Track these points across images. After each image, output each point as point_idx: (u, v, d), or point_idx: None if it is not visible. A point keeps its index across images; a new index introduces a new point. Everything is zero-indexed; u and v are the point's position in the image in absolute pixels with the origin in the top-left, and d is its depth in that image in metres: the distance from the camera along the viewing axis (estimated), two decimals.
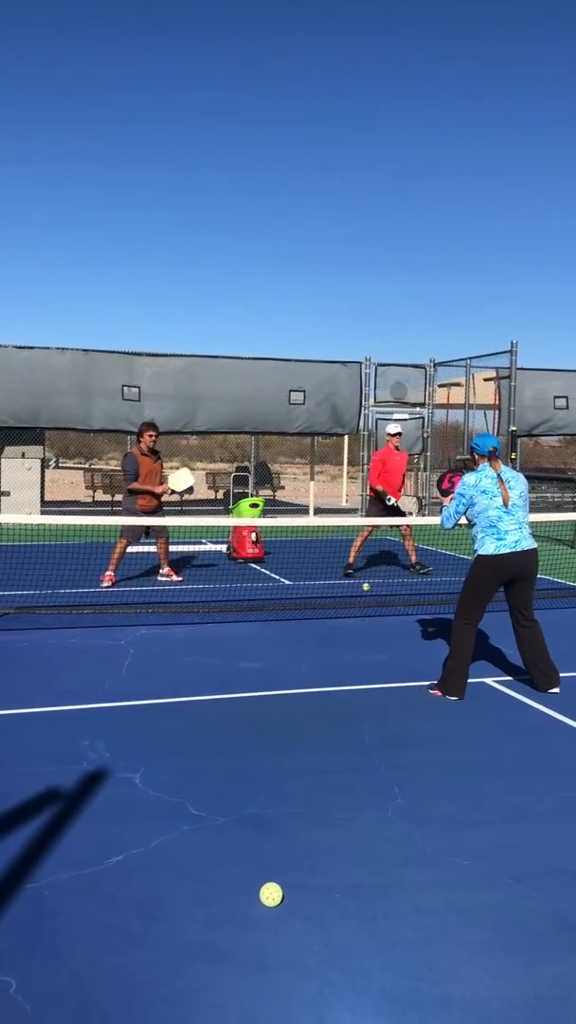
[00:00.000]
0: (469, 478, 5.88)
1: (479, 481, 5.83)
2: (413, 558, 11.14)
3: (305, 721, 5.39)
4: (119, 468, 14.40)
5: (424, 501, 18.02)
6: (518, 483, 5.91)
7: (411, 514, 10.54)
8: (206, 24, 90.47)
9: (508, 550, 5.71)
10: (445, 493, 6.36)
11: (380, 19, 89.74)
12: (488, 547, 5.74)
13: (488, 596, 5.84)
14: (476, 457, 6.01)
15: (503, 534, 5.73)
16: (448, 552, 13.23)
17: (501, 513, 5.76)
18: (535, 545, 5.87)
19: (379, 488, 10.64)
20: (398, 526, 10.88)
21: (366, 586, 10.01)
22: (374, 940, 3.06)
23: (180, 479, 9.92)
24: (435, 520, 11.32)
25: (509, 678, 6.41)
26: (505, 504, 5.76)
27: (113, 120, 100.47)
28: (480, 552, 5.79)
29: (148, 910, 3.22)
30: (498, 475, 5.84)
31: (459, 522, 6.04)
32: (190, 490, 10.10)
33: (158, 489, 9.80)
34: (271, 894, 3.26)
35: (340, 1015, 2.67)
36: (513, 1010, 2.71)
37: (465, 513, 5.92)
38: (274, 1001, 2.73)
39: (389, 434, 10.90)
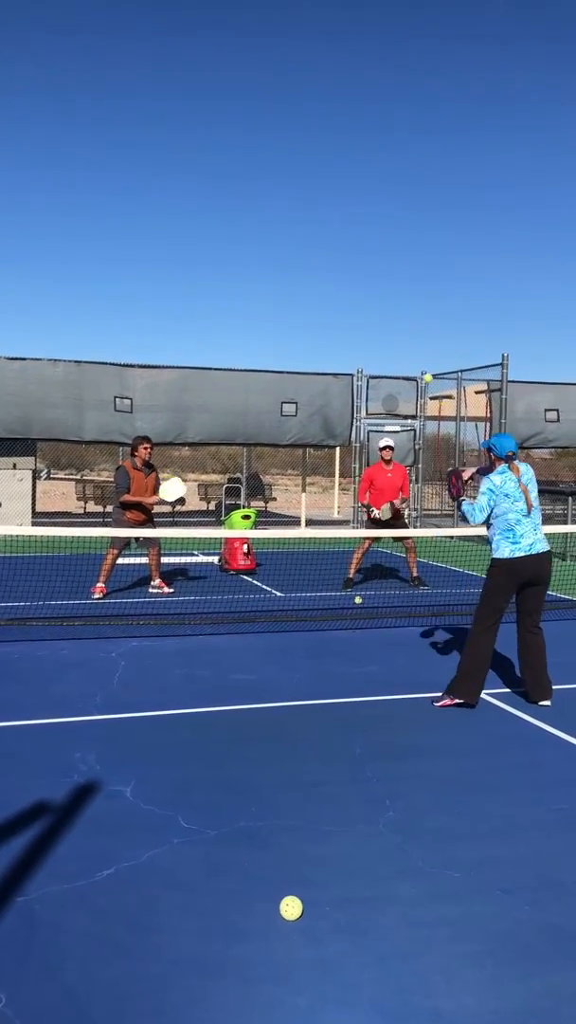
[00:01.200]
0: (495, 478, 5.84)
1: (504, 483, 5.81)
2: (413, 572, 11.15)
3: (297, 733, 5.39)
4: (111, 480, 14.42)
5: (417, 513, 18.06)
6: (533, 484, 5.92)
7: (408, 522, 10.59)
8: (202, 28, 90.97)
9: (523, 553, 5.75)
10: (455, 498, 6.31)
11: (374, 25, 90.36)
12: (503, 551, 5.77)
13: (506, 601, 5.86)
14: (493, 458, 5.97)
15: (519, 538, 5.77)
16: (441, 565, 13.26)
17: (521, 517, 5.79)
18: (549, 547, 5.89)
19: (365, 503, 10.76)
20: (402, 541, 10.94)
21: (358, 599, 10.02)
22: (365, 953, 3.05)
23: (170, 489, 9.92)
24: (429, 532, 11.36)
25: (501, 691, 6.42)
26: (528, 510, 5.80)
27: (106, 127, 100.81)
28: (496, 556, 5.82)
29: (139, 923, 3.21)
30: (519, 480, 5.83)
31: (482, 520, 5.88)
32: (181, 501, 10.12)
33: (149, 500, 9.80)
34: (291, 909, 3.24)
35: None
36: (504, 1022, 2.71)
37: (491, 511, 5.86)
38: (265, 1014, 2.72)
39: (379, 448, 10.96)
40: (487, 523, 5.93)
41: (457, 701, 5.90)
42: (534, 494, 5.89)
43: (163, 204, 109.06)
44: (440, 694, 6.02)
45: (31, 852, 3.73)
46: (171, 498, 9.89)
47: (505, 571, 5.79)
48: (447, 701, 5.92)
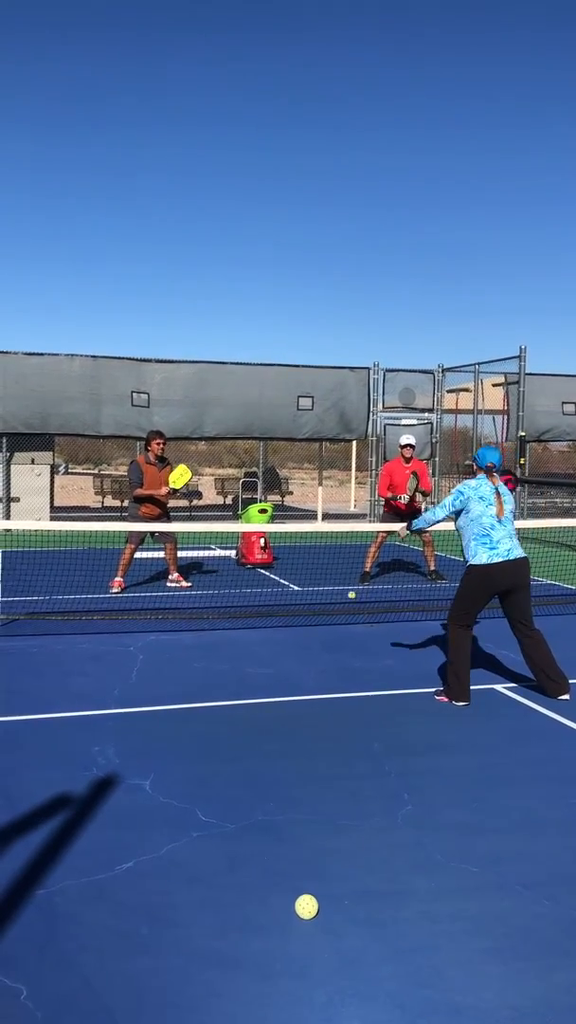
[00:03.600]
0: (471, 482, 6.00)
1: (479, 487, 5.93)
2: (431, 566, 11.14)
3: (314, 727, 5.39)
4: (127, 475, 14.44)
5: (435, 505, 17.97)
6: (509, 500, 6.04)
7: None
8: (205, 26, 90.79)
9: (500, 559, 5.76)
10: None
11: (390, 21, 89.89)
12: (480, 556, 5.78)
13: (480, 605, 5.90)
14: (475, 468, 6.13)
15: (495, 543, 5.78)
16: (458, 558, 13.20)
17: (494, 522, 5.84)
18: (526, 555, 5.93)
19: (388, 496, 10.71)
20: (421, 535, 10.88)
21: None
22: (384, 947, 3.05)
23: (178, 476, 9.99)
24: (446, 526, 11.33)
25: (518, 684, 6.40)
26: (499, 515, 5.84)
27: (118, 127, 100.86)
28: (472, 562, 5.82)
29: (158, 916, 3.22)
30: (496, 488, 5.95)
31: (441, 519, 6.25)
32: (193, 492, 10.19)
33: (161, 491, 9.82)
34: (307, 907, 3.24)
35: (350, 1022, 2.67)
36: (523, 1018, 2.70)
37: (456, 513, 6.02)
38: (284, 1008, 2.73)
39: (399, 445, 10.93)
40: (458, 530, 6.03)
41: (450, 700, 5.90)
42: (508, 508, 5.96)
43: (180, 199, 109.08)
44: (441, 688, 6.06)
45: (50, 845, 3.76)
46: (180, 483, 9.95)
47: (481, 576, 5.78)
48: (444, 699, 5.94)
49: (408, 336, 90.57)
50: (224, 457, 40.46)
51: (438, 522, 6.34)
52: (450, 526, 9.17)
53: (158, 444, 10.03)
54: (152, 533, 9.89)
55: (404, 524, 7.59)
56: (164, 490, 9.87)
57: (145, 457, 10.01)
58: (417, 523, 6.67)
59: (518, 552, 5.85)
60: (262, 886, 3.44)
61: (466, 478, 6.53)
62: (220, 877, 3.52)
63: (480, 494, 5.90)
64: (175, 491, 9.98)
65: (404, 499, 10.52)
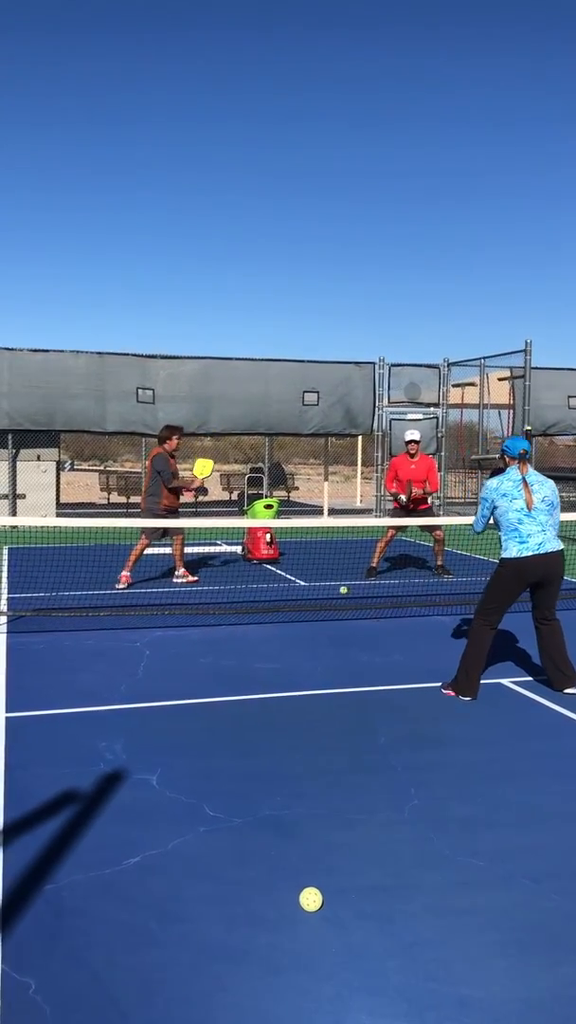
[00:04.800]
0: (491, 482, 5.89)
1: (500, 484, 5.83)
2: (439, 561, 11.15)
3: (321, 722, 5.39)
4: (134, 471, 14.41)
5: (440, 501, 17.97)
6: (543, 487, 5.84)
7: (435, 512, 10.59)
8: (206, 22, 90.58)
9: (531, 553, 5.67)
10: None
11: (393, 12, 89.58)
12: (511, 550, 5.72)
13: (510, 600, 5.81)
14: (507, 459, 6.00)
15: (525, 537, 5.69)
16: (465, 553, 13.19)
17: (522, 516, 5.72)
18: (561, 547, 5.79)
19: (393, 491, 10.76)
20: (432, 531, 10.93)
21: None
22: (391, 941, 3.06)
23: (204, 467, 10.12)
24: (452, 520, 11.33)
25: (526, 679, 6.39)
26: (528, 507, 5.72)
27: (119, 121, 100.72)
28: (504, 555, 5.76)
29: (165, 911, 3.23)
30: (523, 478, 5.80)
31: (484, 528, 6.11)
32: (200, 489, 10.35)
33: (195, 483, 10.03)
34: (311, 899, 3.25)
35: (357, 1016, 2.67)
36: (531, 1011, 2.70)
37: (491, 516, 5.95)
38: (291, 1002, 2.73)
39: (404, 441, 10.94)
40: (497, 526, 5.96)
41: (456, 694, 5.88)
42: (540, 496, 5.77)
43: (184, 196, 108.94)
44: (448, 682, 6.04)
45: (58, 840, 3.77)
46: (205, 474, 10.14)
47: (512, 570, 5.71)
48: (451, 692, 5.92)
49: (413, 330, 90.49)
50: (230, 453, 40.45)
51: (482, 528, 6.13)
52: (464, 520, 9.24)
53: (176, 439, 10.09)
54: (164, 530, 9.91)
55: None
56: (197, 482, 9.99)
57: (163, 449, 10.03)
58: (478, 525, 6.22)
59: (551, 545, 5.71)
60: (269, 880, 3.45)
61: (471, 473, 6.51)
62: (227, 871, 3.52)
63: (502, 491, 5.79)
64: (204, 479, 10.18)
65: (403, 499, 10.57)
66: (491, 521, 6.01)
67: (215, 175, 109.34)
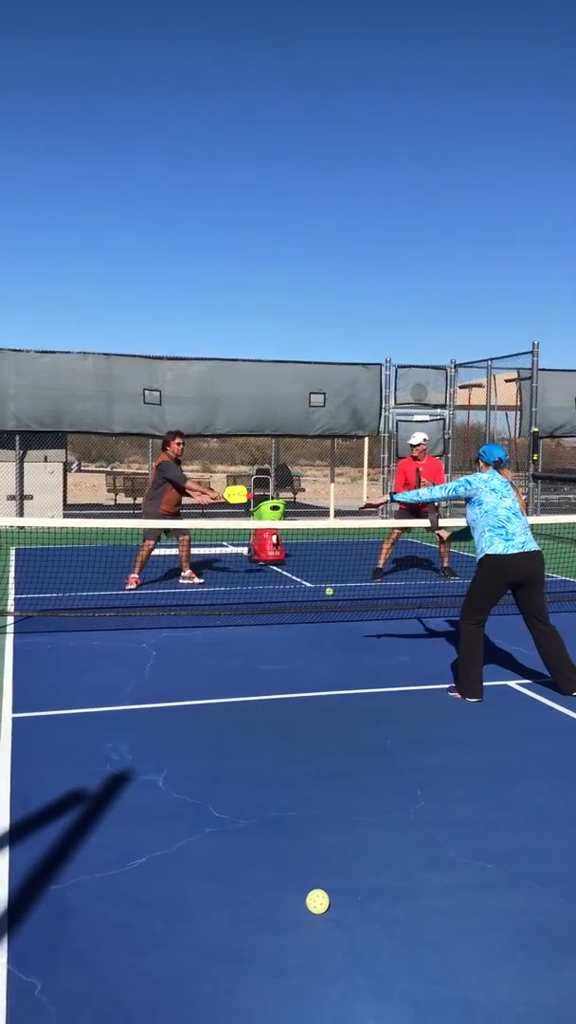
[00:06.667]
0: (482, 474, 6.00)
1: (491, 479, 5.93)
2: (445, 562, 11.14)
3: (327, 724, 5.39)
4: (141, 472, 14.44)
5: (447, 502, 17.93)
6: (517, 494, 6.05)
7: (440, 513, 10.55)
8: (208, 21, 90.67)
9: (516, 550, 5.73)
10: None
11: (399, 9, 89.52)
12: (496, 546, 5.74)
13: (495, 598, 5.85)
14: (482, 465, 6.10)
15: (511, 535, 5.76)
16: (472, 555, 13.16)
17: (511, 514, 5.82)
18: (540, 548, 5.90)
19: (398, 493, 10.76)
20: (438, 533, 10.91)
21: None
22: (397, 944, 3.05)
23: (236, 494, 10.15)
24: (459, 522, 11.33)
25: (532, 681, 6.37)
26: (522, 509, 5.86)
27: (122, 120, 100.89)
28: (488, 551, 5.77)
29: (171, 912, 3.23)
30: (510, 483, 5.96)
31: (438, 498, 6.28)
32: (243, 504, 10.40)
33: (210, 494, 9.96)
34: (318, 901, 3.24)
35: (363, 1019, 2.66)
36: (537, 1015, 2.69)
37: (462, 499, 6.07)
38: (297, 1005, 2.73)
39: (409, 445, 10.94)
40: (470, 524, 6.02)
41: (462, 696, 5.88)
42: (519, 503, 5.98)
43: (190, 197, 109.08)
44: (454, 684, 6.05)
45: (64, 841, 3.77)
46: (234, 500, 10.16)
47: (495, 567, 5.74)
48: (457, 695, 5.92)
49: (420, 332, 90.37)
50: (236, 454, 40.47)
51: (435, 500, 6.39)
52: (460, 522, 9.22)
53: (178, 444, 10.07)
54: (166, 530, 9.92)
55: (430, 523, 7.79)
56: (213, 494, 9.95)
57: (167, 456, 10.03)
58: (406, 495, 6.73)
59: (532, 545, 5.82)
60: (275, 882, 3.44)
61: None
62: (233, 873, 3.52)
63: (492, 486, 5.90)
64: (227, 500, 10.18)
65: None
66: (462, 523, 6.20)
67: (221, 174, 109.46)
